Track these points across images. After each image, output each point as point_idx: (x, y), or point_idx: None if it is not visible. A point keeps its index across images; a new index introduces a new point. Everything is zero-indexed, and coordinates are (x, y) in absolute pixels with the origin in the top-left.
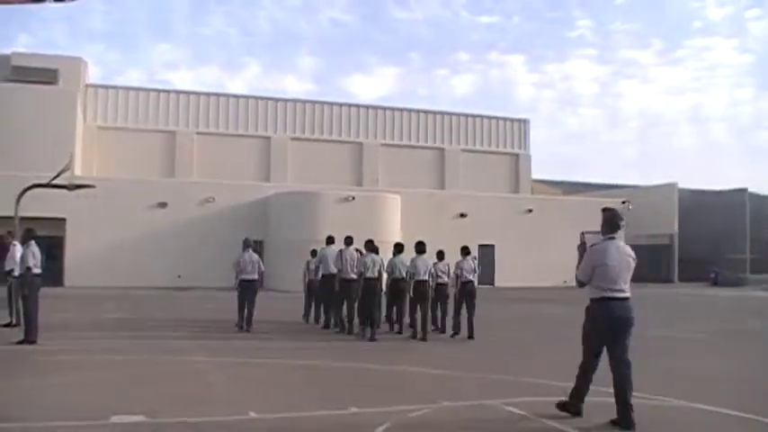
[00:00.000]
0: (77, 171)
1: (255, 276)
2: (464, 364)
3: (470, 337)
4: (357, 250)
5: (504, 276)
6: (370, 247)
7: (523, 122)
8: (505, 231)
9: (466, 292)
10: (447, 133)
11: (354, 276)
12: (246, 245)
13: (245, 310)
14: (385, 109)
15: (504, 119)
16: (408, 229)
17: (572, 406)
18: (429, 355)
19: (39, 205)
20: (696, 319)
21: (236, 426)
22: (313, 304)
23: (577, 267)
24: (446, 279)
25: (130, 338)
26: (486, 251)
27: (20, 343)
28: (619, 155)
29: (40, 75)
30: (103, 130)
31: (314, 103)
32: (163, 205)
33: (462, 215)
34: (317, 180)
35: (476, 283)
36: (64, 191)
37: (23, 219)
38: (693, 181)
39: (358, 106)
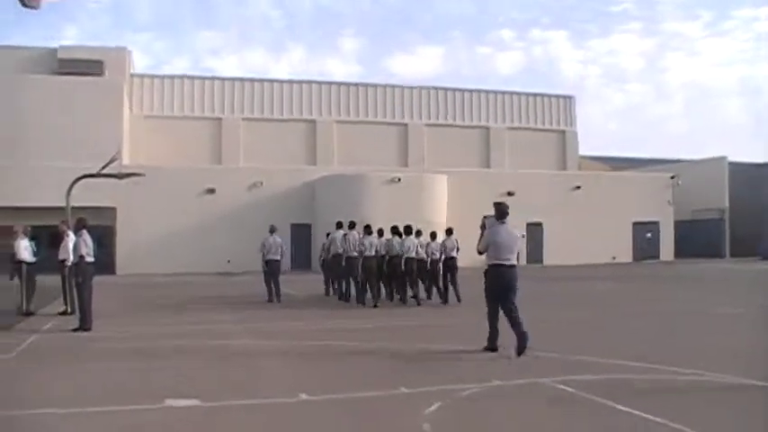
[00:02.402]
0: (126, 160)
1: (278, 257)
2: (510, 342)
3: (458, 300)
4: (375, 232)
5: (553, 254)
6: (368, 230)
7: (569, 99)
8: (553, 209)
9: (449, 267)
10: (492, 112)
11: (356, 254)
12: (271, 230)
13: (273, 286)
14: (429, 89)
15: (550, 96)
16: (455, 208)
17: (490, 344)
18: (476, 334)
19: (89, 195)
20: (739, 294)
21: (289, 408)
22: (330, 280)
23: (478, 242)
24: (437, 256)
25: (180, 324)
26: (534, 229)
27: (75, 330)
28: (667, 130)
29: (86, 66)
30: (150, 119)
31: (358, 85)
32: (211, 191)
33: (509, 193)
34: (363, 162)
35: (457, 260)
36: (114, 180)
37: (75, 209)
38: (744, 154)
39: (402, 87)
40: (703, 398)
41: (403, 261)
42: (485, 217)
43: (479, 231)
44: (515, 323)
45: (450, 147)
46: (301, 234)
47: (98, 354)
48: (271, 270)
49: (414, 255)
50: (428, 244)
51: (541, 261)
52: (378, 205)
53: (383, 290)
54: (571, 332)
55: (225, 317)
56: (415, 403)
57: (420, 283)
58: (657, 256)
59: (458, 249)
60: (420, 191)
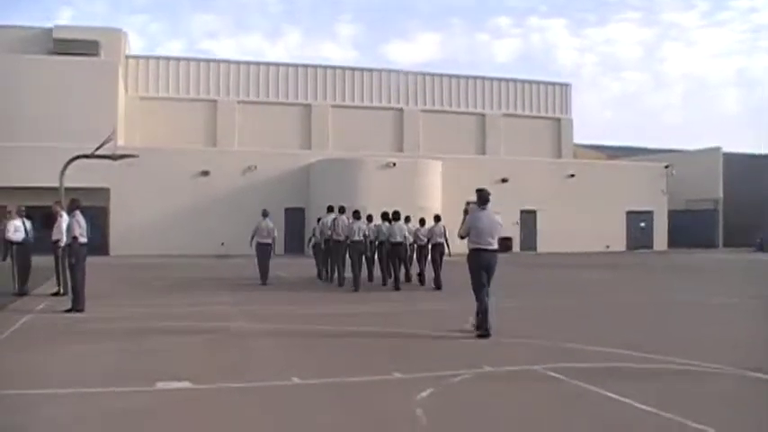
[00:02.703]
0: (120, 141)
1: (269, 240)
2: (502, 329)
3: (438, 288)
4: (364, 216)
5: (547, 242)
6: (357, 215)
7: (565, 87)
8: (547, 196)
9: (438, 252)
10: (488, 98)
11: (342, 239)
12: (264, 214)
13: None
14: (425, 75)
15: (546, 83)
16: (449, 194)
17: (482, 330)
18: (465, 320)
19: (83, 176)
20: (732, 285)
21: (281, 391)
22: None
23: (460, 227)
24: (425, 241)
25: (173, 305)
26: (528, 217)
27: (67, 311)
28: (663, 119)
29: (81, 47)
30: (145, 101)
31: (354, 69)
32: (205, 174)
33: (504, 180)
34: (359, 147)
35: (445, 246)
36: (108, 161)
37: (69, 189)
38: (739, 145)
39: (398, 72)
40: (696, 387)
41: (388, 245)
42: (468, 203)
43: (462, 216)
44: (482, 306)
45: (446, 133)
46: (295, 218)
47: (90, 335)
48: (262, 253)
49: (401, 239)
50: (417, 230)
51: (535, 248)
52: (372, 190)
53: (377, 274)
54: (562, 320)
55: (219, 299)
56: (408, 388)
57: (405, 267)
58: (651, 246)
59: (446, 236)
60: (415, 176)
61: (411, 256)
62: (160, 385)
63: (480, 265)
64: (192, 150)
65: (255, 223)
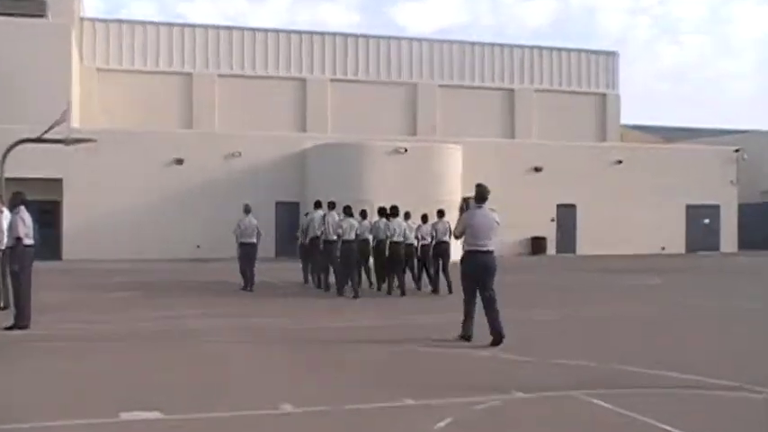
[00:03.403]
0: (75, 122)
1: (254, 240)
2: (534, 346)
3: (449, 291)
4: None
5: (588, 243)
6: (348, 212)
7: (611, 56)
8: (589, 188)
9: (441, 252)
10: (517, 71)
11: (334, 238)
12: (246, 210)
13: (248, 272)
14: (442, 43)
15: (587, 52)
16: (471, 184)
17: (465, 332)
18: (484, 332)
19: (30, 164)
20: None
21: (270, 422)
22: (310, 267)
23: (455, 227)
24: (428, 240)
25: (139, 320)
26: (566, 212)
27: (9, 329)
28: (731, 93)
29: (24, 7)
30: (105, 73)
31: (358, 37)
32: (179, 162)
33: (537, 169)
34: (363, 129)
35: (450, 244)
36: (60, 146)
37: (11, 180)
38: None
39: (410, 40)
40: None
41: (388, 245)
42: (464, 198)
43: (458, 214)
44: (491, 311)
45: (467, 112)
46: (289, 214)
47: (38, 357)
48: (245, 254)
49: (401, 239)
50: (418, 227)
51: (574, 250)
52: (380, 180)
53: (373, 279)
54: (607, 334)
55: (193, 310)
56: (422, 417)
57: (408, 270)
58: (717, 247)
59: (450, 233)
60: (430, 164)
61: (417, 258)
62: (124, 416)
63: (475, 268)
64: (162, 134)
65: (237, 221)
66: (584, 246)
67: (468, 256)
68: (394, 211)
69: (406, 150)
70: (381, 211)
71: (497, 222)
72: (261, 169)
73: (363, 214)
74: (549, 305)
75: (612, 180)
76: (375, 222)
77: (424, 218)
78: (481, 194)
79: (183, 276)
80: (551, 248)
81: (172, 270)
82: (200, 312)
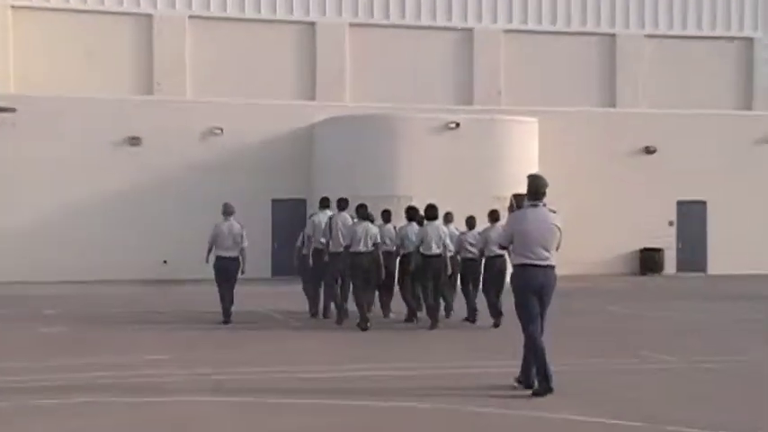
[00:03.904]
0: None
1: (235, 253)
2: (657, 408)
3: (496, 324)
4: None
5: (724, 256)
6: (362, 213)
7: None
8: (726, 177)
9: (495, 270)
10: (620, 9)
11: (342, 249)
12: (227, 211)
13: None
14: None
15: None
16: (552, 171)
17: (524, 378)
18: (596, 394)
19: None
20: None
21: None
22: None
23: (501, 232)
24: (476, 254)
25: (78, 369)
26: (692, 211)
27: None
28: None
29: None
30: (23, 12)
31: None
32: (134, 142)
33: (648, 150)
34: (396, 96)
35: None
36: None
37: None
38: None
39: None
40: None
41: (419, 259)
42: (515, 196)
43: (506, 214)
44: (535, 347)
45: (546, 70)
46: (290, 216)
47: None
48: (223, 273)
49: (438, 250)
50: (461, 235)
51: (704, 268)
52: (419, 168)
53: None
54: (753, 388)
55: (153, 354)
56: None
57: (443, 296)
58: None
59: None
60: (492, 144)
61: (455, 276)
62: None
63: (529, 287)
64: (108, 102)
65: (212, 227)
66: (718, 261)
67: (519, 271)
68: (430, 213)
69: (457, 125)
70: (411, 213)
71: (559, 228)
72: (251, 153)
73: (386, 216)
74: (675, 350)
75: (760, 166)
76: (401, 228)
77: (470, 222)
78: (536, 188)
79: (142, 305)
80: (670, 266)
81: (128, 296)
82: (169, 357)
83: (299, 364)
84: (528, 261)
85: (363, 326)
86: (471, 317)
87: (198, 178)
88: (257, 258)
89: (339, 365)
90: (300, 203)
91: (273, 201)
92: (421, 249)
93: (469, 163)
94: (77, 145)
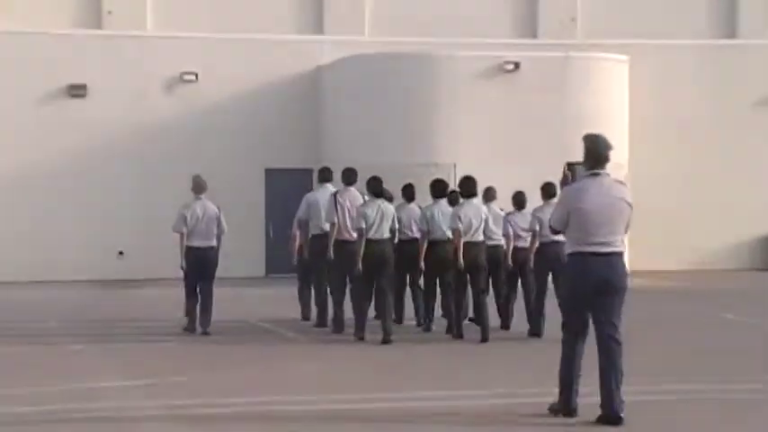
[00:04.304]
0: None
1: (212, 242)
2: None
3: (536, 333)
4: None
5: None
6: (375, 188)
7: None
8: None
9: (547, 259)
10: None
11: (353, 237)
12: (198, 187)
13: (198, 299)
14: None
15: None
16: (647, 128)
17: (564, 403)
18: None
19: None
20: None
21: None
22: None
23: (553, 212)
24: (525, 240)
25: (14, 401)
26: None
27: None
28: None
29: None
30: None
31: None
32: (78, 93)
33: None
34: (433, 28)
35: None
36: None
37: None
38: None
39: None
40: None
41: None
42: (568, 165)
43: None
44: (609, 366)
45: None
46: (291, 192)
47: None
48: (196, 266)
49: (479, 237)
50: (507, 216)
51: None
52: (465, 126)
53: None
54: None
55: (115, 381)
56: None
57: (476, 295)
58: None
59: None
60: (563, 92)
61: (498, 271)
62: None
63: (588, 283)
64: (45, 38)
65: (181, 208)
66: None
67: (574, 261)
68: (467, 189)
69: (516, 66)
70: (437, 188)
71: (628, 203)
72: (236, 107)
73: (409, 193)
74: None
75: None
76: (425, 208)
77: (518, 199)
78: (596, 152)
79: (90, 314)
80: None
81: (70, 302)
82: (121, 386)
83: (294, 392)
84: (587, 248)
85: (360, 335)
86: (504, 322)
87: (163, 141)
88: (245, 251)
89: (356, 393)
90: (304, 175)
91: (267, 171)
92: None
93: (533, 118)
94: (5, 95)
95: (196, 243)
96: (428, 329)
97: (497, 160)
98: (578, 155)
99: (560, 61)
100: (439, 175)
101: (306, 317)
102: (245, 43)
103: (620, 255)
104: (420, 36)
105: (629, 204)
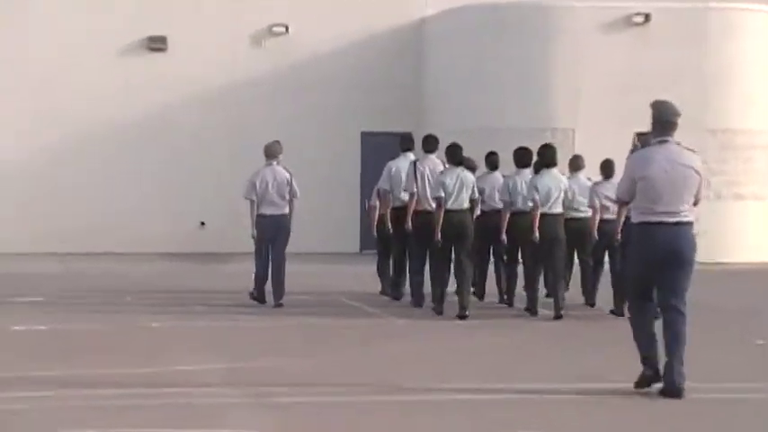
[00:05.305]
0: None
1: (283, 210)
2: None
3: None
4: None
5: None
6: (454, 156)
7: None
8: None
9: (608, 235)
10: None
11: (433, 207)
12: (269, 153)
13: (270, 269)
14: None
15: None
16: None
17: (644, 379)
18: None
19: None
20: None
21: None
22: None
23: (620, 182)
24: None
25: (77, 384)
26: None
27: None
28: None
29: None
30: None
31: None
32: (158, 45)
33: None
34: None
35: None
36: None
37: None
38: None
39: None
40: None
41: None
42: (636, 135)
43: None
44: (673, 339)
45: None
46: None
47: None
48: (266, 234)
49: (558, 209)
50: (594, 186)
51: None
52: (588, 86)
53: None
54: None
55: (195, 364)
56: None
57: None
58: None
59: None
60: (701, 49)
61: (585, 244)
62: None
63: (655, 254)
64: None
65: (251, 174)
66: None
67: (642, 232)
68: (546, 158)
69: (646, 19)
70: (520, 157)
71: (698, 172)
72: (329, 63)
73: (492, 161)
74: None
75: None
76: (508, 178)
77: (608, 168)
78: (663, 118)
79: (169, 286)
80: None
81: (147, 275)
82: (203, 369)
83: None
84: (653, 218)
85: (439, 309)
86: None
87: (251, 100)
88: (338, 225)
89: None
90: (404, 139)
91: (364, 135)
92: (533, 207)
93: (665, 78)
94: (68, 53)
95: (267, 211)
96: (510, 304)
97: (623, 126)
98: (717, 120)
99: (698, 12)
100: (557, 142)
101: (385, 292)
102: None
103: (688, 225)
104: None
105: (699, 173)
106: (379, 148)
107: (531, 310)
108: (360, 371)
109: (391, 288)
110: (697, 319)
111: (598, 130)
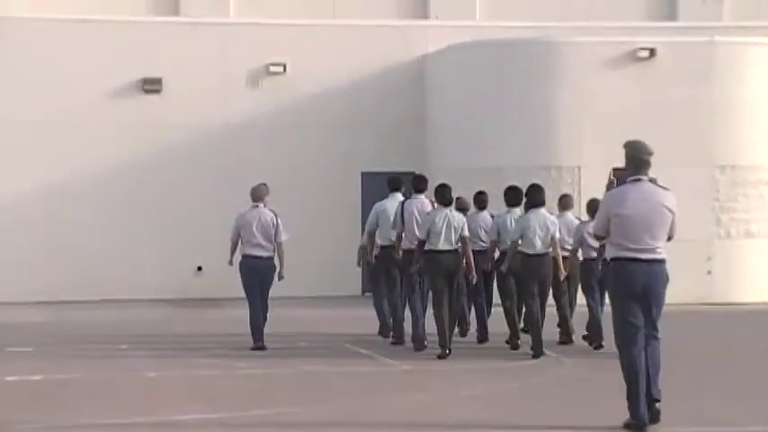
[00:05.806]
0: None
1: (267, 252)
2: None
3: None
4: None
5: None
6: (443, 197)
7: None
8: None
9: (589, 272)
10: None
11: (414, 244)
12: (257, 195)
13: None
14: None
15: None
16: None
17: (633, 406)
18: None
19: None
20: None
21: None
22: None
23: (596, 219)
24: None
25: None
26: None
27: None
28: None
29: None
30: None
31: None
32: (153, 88)
33: None
34: (554, 12)
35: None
36: None
37: None
38: None
39: None
40: None
41: (517, 261)
42: (612, 170)
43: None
44: (648, 355)
45: None
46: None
47: None
48: (253, 278)
49: (545, 249)
50: (581, 225)
51: None
52: (592, 122)
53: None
54: None
55: (193, 413)
56: None
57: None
58: None
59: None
60: (709, 83)
61: (574, 285)
62: None
63: (630, 290)
64: (118, 26)
65: (236, 217)
66: None
67: (617, 268)
68: (535, 197)
69: (651, 54)
70: (511, 196)
71: (670, 210)
72: (329, 102)
73: (481, 201)
74: None
75: None
76: (497, 217)
77: (593, 207)
78: (638, 159)
79: (165, 333)
80: None
81: (143, 323)
82: (203, 419)
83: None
84: (627, 254)
85: (443, 353)
86: (595, 339)
87: (248, 141)
88: (339, 267)
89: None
90: (404, 178)
91: (364, 175)
92: (520, 246)
93: (671, 113)
94: (67, 87)
95: (250, 251)
96: (483, 340)
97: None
98: (726, 156)
99: (704, 47)
100: (563, 180)
101: (382, 333)
102: (339, 30)
103: (661, 262)
104: (538, 20)
105: (671, 210)
106: (381, 188)
107: (512, 342)
108: (362, 421)
109: (393, 329)
110: (713, 363)
111: (604, 167)
